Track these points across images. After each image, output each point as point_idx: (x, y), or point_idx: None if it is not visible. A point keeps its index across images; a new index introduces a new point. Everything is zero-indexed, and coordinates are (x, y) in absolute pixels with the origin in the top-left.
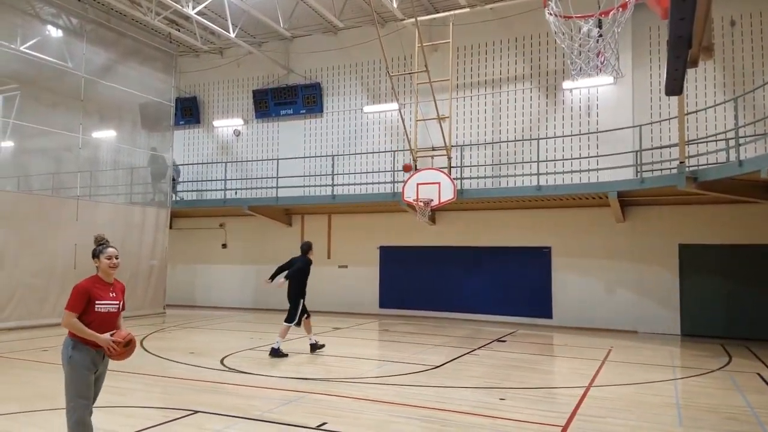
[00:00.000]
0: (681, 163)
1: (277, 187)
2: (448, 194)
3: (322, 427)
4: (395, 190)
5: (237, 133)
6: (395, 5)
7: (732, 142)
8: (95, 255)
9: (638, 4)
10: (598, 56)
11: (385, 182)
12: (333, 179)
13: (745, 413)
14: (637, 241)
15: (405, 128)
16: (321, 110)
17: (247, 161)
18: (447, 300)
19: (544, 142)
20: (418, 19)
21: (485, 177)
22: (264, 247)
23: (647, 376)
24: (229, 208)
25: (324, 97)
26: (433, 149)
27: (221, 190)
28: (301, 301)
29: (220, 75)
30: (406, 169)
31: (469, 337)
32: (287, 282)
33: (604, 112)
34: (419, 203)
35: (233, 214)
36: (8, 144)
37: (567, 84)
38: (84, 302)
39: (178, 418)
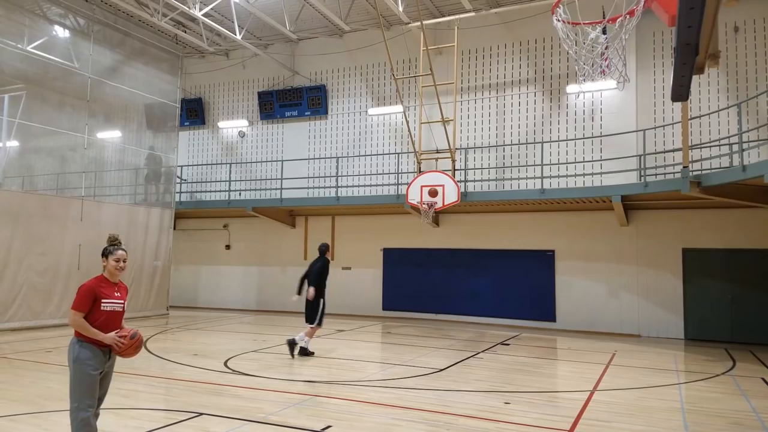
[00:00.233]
0: (685, 167)
1: (281, 189)
2: (452, 197)
3: (326, 430)
4: (399, 193)
5: (242, 135)
6: (401, 9)
7: (736, 147)
8: (104, 254)
9: (642, 10)
10: (605, 62)
11: (389, 184)
12: (337, 181)
13: (751, 418)
14: (640, 245)
15: (409, 131)
16: (326, 112)
17: (251, 162)
18: (450, 303)
19: (548, 146)
20: (424, 22)
21: (489, 180)
22: (268, 249)
23: (651, 380)
24: (233, 209)
25: (329, 99)
26: (438, 152)
27: (225, 191)
28: (321, 300)
29: (226, 76)
30: (432, 194)
31: (472, 340)
32: (313, 288)
33: (608, 116)
34: (423, 205)
35: (237, 215)
36: (14, 143)
37: (571, 88)
38: (90, 301)
39: (182, 420)
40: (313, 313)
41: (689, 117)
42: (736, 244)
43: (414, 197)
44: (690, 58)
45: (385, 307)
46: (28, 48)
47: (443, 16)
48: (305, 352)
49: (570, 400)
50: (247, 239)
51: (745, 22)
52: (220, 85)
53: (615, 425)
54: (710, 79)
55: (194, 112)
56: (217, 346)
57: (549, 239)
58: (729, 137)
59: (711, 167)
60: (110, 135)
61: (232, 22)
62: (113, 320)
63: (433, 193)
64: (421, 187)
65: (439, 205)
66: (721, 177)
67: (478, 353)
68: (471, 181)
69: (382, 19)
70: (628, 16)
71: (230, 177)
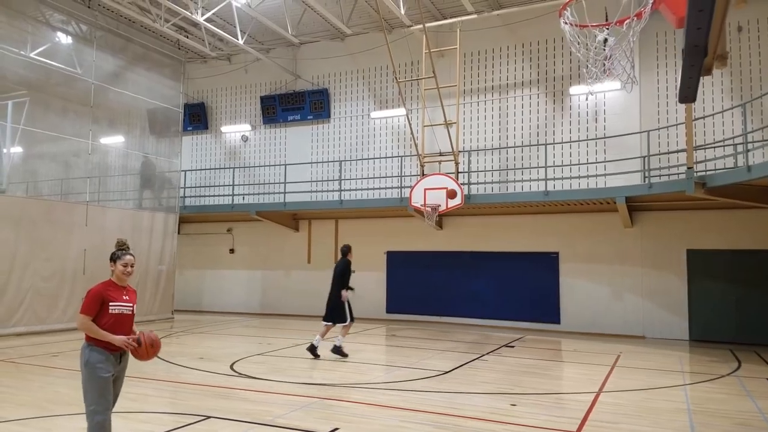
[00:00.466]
0: (689, 168)
1: (284, 192)
2: (455, 199)
3: None
4: (402, 196)
5: (245, 139)
6: (402, 12)
7: (740, 148)
8: (113, 259)
9: (650, 12)
10: (612, 64)
11: (392, 187)
12: (340, 184)
13: (757, 418)
14: (645, 247)
15: (412, 134)
16: (328, 116)
17: (254, 167)
18: (454, 305)
19: (551, 148)
20: (426, 25)
21: (492, 182)
22: (271, 252)
23: (657, 381)
24: (236, 213)
25: (331, 103)
26: (441, 154)
27: (229, 195)
28: (345, 301)
29: (228, 81)
30: (450, 195)
31: (477, 343)
32: (345, 291)
33: (611, 117)
34: (427, 209)
35: (241, 219)
36: (18, 149)
37: (574, 89)
38: (98, 305)
39: (190, 424)
40: (341, 312)
41: (693, 118)
42: (740, 245)
43: (417, 200)
44: (698, 60)
45: (389, 310)
46: (31, 54)
47: (445, 18)
48: (339, 351)
49: (576, 401)
50: (251, 243)
51: (749, 22)
52: (222, 90)
53: (622, 426)
54: (714, 79)
55: (197, 117)
56: (223, 350)
57: (553, 241)
58: (733, 138)
59: (716, 168)
60: (114, 140)
61: (234, 26)
62: (122, 323)
63: (451, 194)
64: (425, 190)
65: (443, 207)
66: (725, 178)
67: (483, 355)
68: (474, 183)
69: (384, 22)
70: (635, 19)
71: (234, 181)
